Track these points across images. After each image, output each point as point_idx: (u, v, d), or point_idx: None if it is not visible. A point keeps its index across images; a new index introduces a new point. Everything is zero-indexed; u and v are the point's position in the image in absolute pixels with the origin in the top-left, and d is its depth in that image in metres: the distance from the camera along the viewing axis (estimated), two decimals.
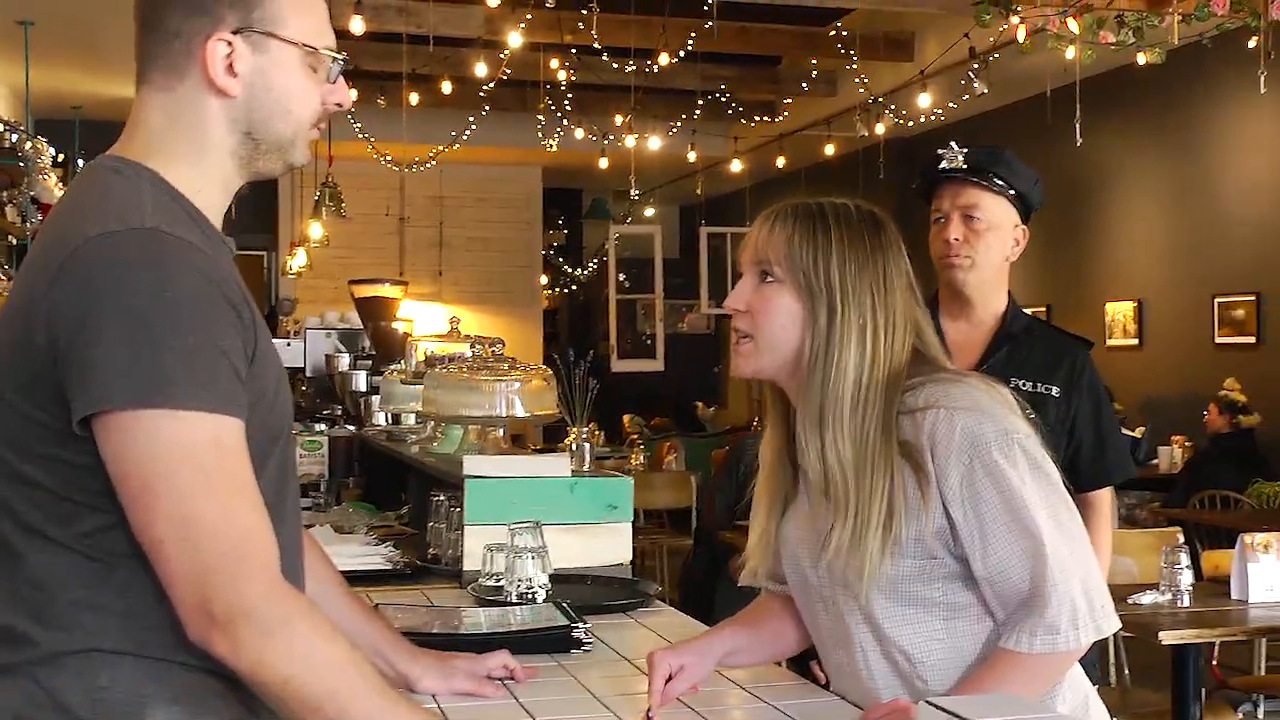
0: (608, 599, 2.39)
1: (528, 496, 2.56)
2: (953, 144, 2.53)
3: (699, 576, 5.56)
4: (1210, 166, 8.19)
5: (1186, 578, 3.34)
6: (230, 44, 1.40)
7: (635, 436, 10.24)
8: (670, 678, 1.71)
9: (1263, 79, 4.63)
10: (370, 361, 4.60)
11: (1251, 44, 4.85)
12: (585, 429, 2.89)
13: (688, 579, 5.80)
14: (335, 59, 1.47)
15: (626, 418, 11.58)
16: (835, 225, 1.65)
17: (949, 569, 1.60)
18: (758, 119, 10.36)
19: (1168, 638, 3.12)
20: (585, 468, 2.77)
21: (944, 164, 2.52)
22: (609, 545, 2.65)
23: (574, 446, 2.82)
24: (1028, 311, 2.67)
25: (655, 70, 7.38)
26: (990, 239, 2.48)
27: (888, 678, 1.65)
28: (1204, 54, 5.52)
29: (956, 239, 2.49)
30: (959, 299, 2.54)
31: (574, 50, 8.48)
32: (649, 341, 12.06)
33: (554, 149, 8.79)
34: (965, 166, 2.50)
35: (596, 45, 7.55)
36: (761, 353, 1.67)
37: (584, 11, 7.16)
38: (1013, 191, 2.52)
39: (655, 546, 8.02)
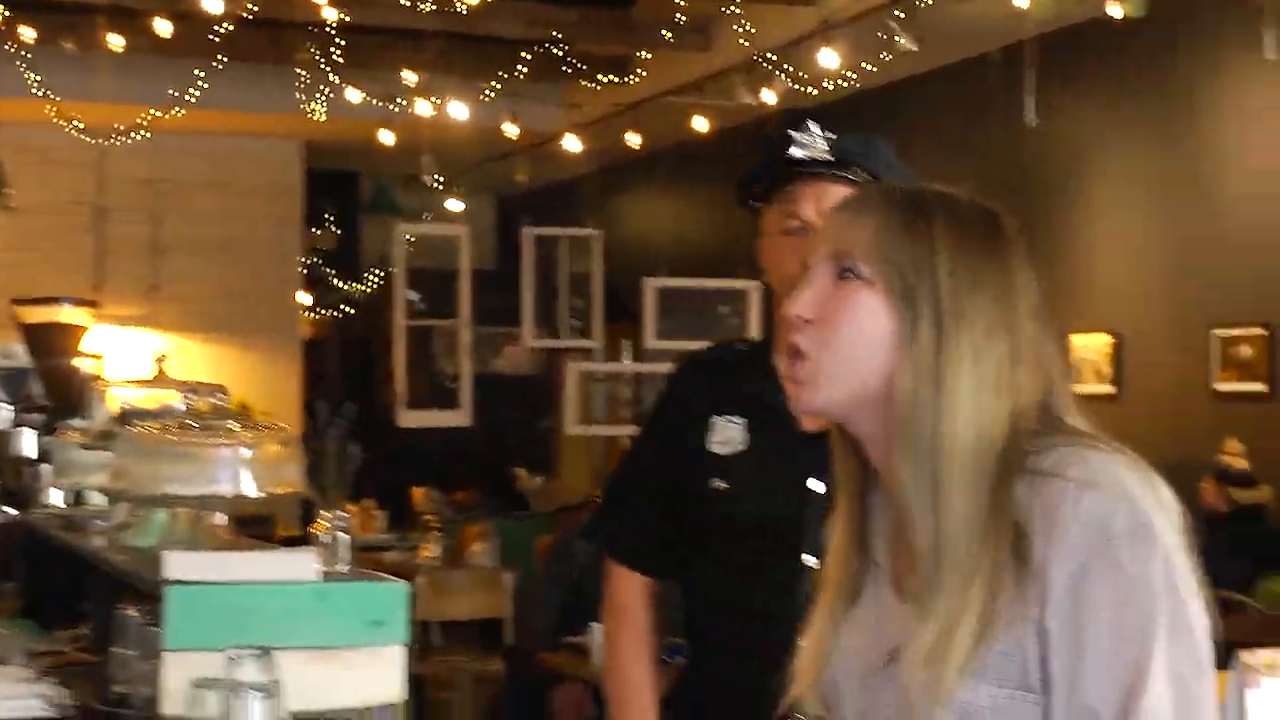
0: None
1: (255, 610, 2.51)
2: (812, 125, 2.55)
3: (514, 716, 5.56)
4: (1208, 155, 8.46)
5: None
6: None
7: (430, 518, 10.17)
8: None
9: (1265, 41, 4.81)
10: (41, 415, 4.52)
11: None
12: (343, 512, 2.87)
13: (499, 719, 5.79)
14: None
15: (418, 491, 11.50)
16: (947, 216, 1.68)
17: (1038, 711, 1.60)
18: (604, 80, 10.40)
19: None
20: (341, 568, 2.74)
21: (800, 151, 2.54)
22: (373, 678, 2.62)
23: (327, 538, 2.79)
24: None
25: (463, 11, 7.38)
26: None
27: None
28: (1197, 6, 5.72)
29: None
30: None
31: None
32: (451, 385, 11.99)
33: (320, 116, 8.73)
34: (831, 157, 2.53)
35: None
36: (833, 380, 1.67)
37: None
38: None
39: (456, 674, 7.96)
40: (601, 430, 11.27)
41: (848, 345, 1.66)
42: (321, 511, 2.85)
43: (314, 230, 13.73)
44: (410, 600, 2.67)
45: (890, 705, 1.67)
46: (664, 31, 9.71)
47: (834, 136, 2.58)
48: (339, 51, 8.80)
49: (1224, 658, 4.11)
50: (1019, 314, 1.66)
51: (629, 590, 2.83)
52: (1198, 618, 1.58)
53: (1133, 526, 1.56)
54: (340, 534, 2.80)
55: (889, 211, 1.68)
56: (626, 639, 2.82)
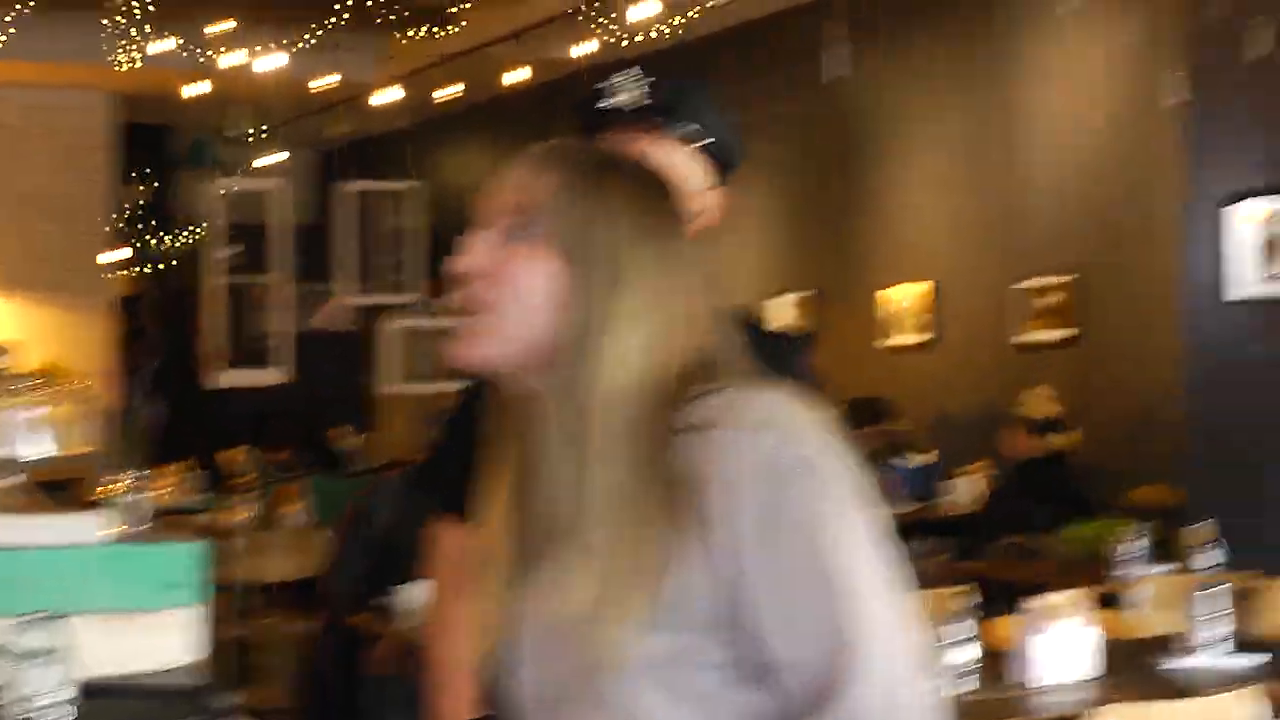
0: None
1: (41, 575, 2.47)
2: (631, 72, 2.53)
3: (329, 674, 5.50)
4: (1011, 111, 8.64)
5: (965, 656, 3.51)
6: None
7: (247, 479, 10.05)
8: None
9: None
10: None
11: None
12: (142, 473, 2.81)
13: (314, 677, 5.73)
14: None
15: (236, 452, 11.36)
16: (622, 183, 1.68)
17: (726, 654, 1.60)
18: (422, 30, 10.30)
19: None
20: (135, 530, 2.68)
21: (614, 99, 2.51)
22: (170, 641, 2.57)
23: (122, 499, 2.73)
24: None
25: None
26: None
27: None
28: None
29: None
30: None
31: None
32: (269, 344, 11.82)
33: (128, 66, 8.52)
34: (648, 103, 2.51)
35: None
36: (504, 335, 1.65)
37: None
38: (708, 142, 2.54)
39: (273, 635, 7.87)
40: (422, 388, 11.15)
41: (522, 299, 1.65)
42: (118, 473, 2.79)
43: (128, 186, 13.41)
44: (206, 561, 2.62)
45: (569, 665, 1.65)
46: None
47: (653, 81, 2.53)
48: (148, 2, 8.59)
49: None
50: (685, 278, 1.67)
51: (453, 540, 2.79)
52: (877, 535, 1.61)
53: (805, 463, 1.58)
54: (138, 495, 2.74)
55: (565, 171, 1.67)
56: (449, 589, 2.78)
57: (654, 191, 1.71)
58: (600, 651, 1.59)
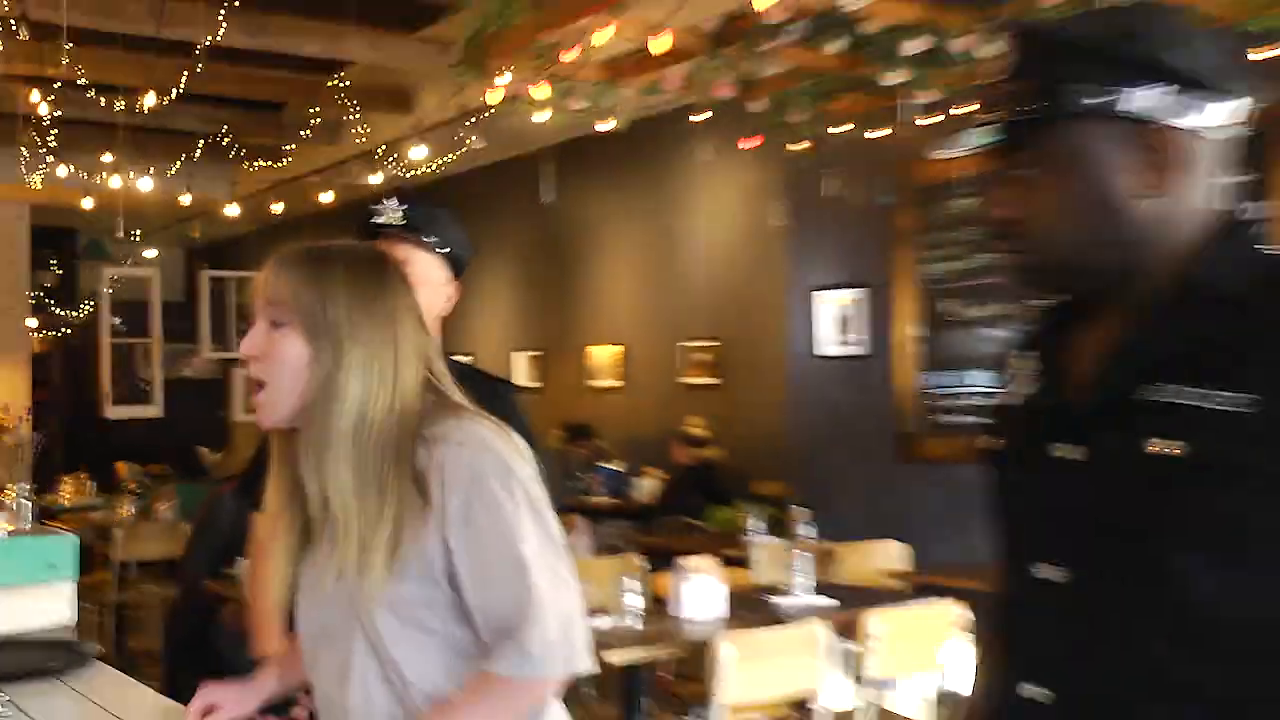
0: (33, 665, 2.22)
1: None
2: (393, 199, 2.55)
3: (185, 627, 5.31)
4: (675, 225, 8.81)
5: (635, 601, 3.57)
6: None
7: (132, 485, 9.61)
8: (208, 712, 1.79)
9: (702, 149, 5.05)
10: None
11: (699, 118, 5.29)
12: (26, 485, 2.69)
13: (173, 631, 5.52)
14: None
15: (122, 466, 10.86)
16: (342, 266, 1.63)
17: (448, 598, 1.60)
18: (261, 163, 10.07)
19: (612, 657, 3.30)
20: (25, 526, 2.57)
21: (380, 219, 2.52)
22: (50, 607, 2.47)
23: (14, 504, 2.61)
24: (462, 359, 2.74)
25: (144, 110, 7.01)
26: (423, 295, 2.53)
27: (386, 705, 1.62)
28: (660, 123, 5.94)
29: None
30: None
31: (58, 84, 7.89)
32: (146, 387, 11.35)
33: (40, 185, 8.12)
34: (404, 223, 2.53)
35: (83, 80, 7.09)
36: (279, 401, 1.62)
37: (68, 46, 6.69)
38: (445, 250, 2.55)
39: (147, 598, 7.54)
40: None
41: (284, 374, 1.62)
42: (8, 485, 2.66)
43: (40, 271, 12.75)
44: (78, 548, 2.53)
45: (337, 615, 1.66)
46: (304, 130, 9.48)
47: (407, 207, 2.54)
48: (54, 137, 8.20)
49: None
50: (402, 326, 1.65)
51: (266, 530, 2.73)
52: (549, 514, 1.64)
53: (497, 468, 1.60)
54: (24, 501, 2.62)
55: (299, 268, 1.64)
56: (264, 563, 2.72)
57: (370, 269, 1.67)
58: (357, 595, 1.59)
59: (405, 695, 1.62)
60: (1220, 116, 1.25)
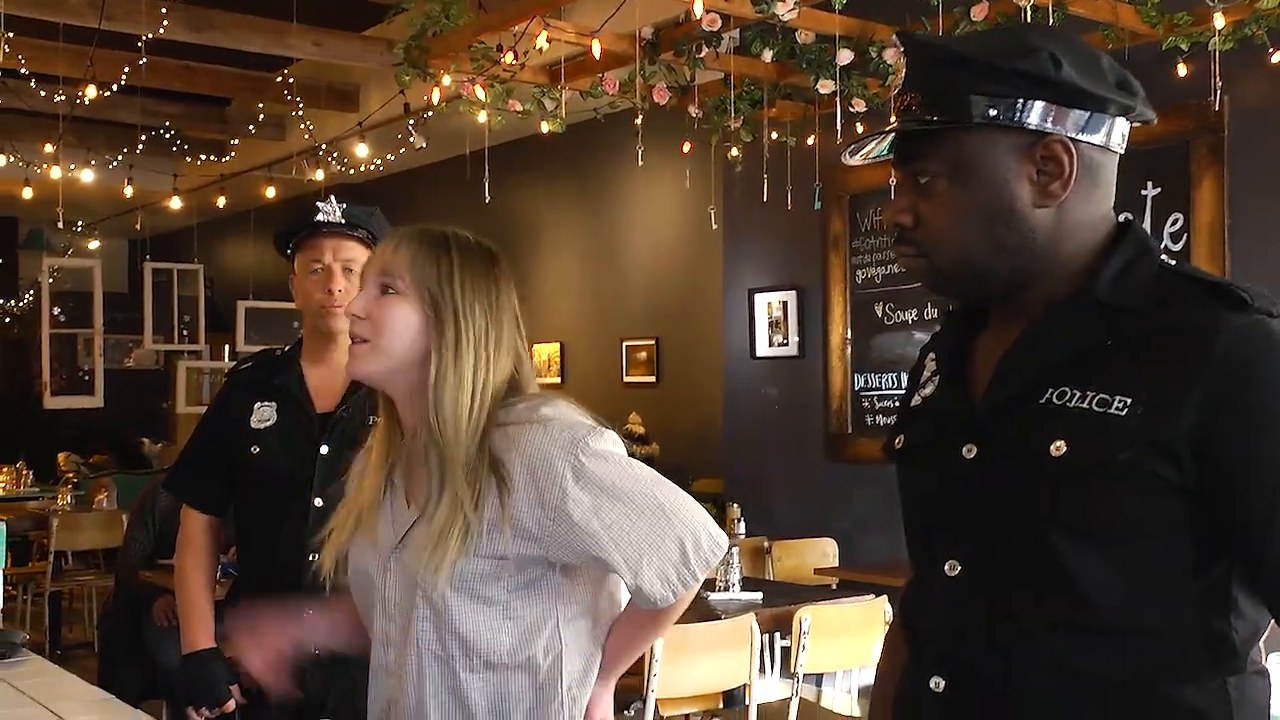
0: None
1: None
2: (332, 198, 2.60)
3: (118, 618, 5.24)
4: (615, 226, 8.85)
5: None
6: None
7: (71, 475, 9.48)
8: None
9: (640, 153, 5.07)
10: None
11: (637, 122, 5.31)
12: None
13: (107, 621, 5.45)
14: None
15: (62, 455, 10.71)
16: (459, 251, 1.69)
17: (514, 574, 1.64)
18: (205, 158, 9.97)
19: None
20: None
21: (323, 217, 2.57)
22: None
23: None
24: None
25: (85, 101, 6.92)
26: None
27: (438, 673, 1.66)
28: (599, 127, 5.96)
29: (340, 290, 2.54)
30: (329, 345, 2.60)
31: None
32: (87, 378, 11.19)
33: None
34: (344, 221, 2.57)
35: (24, 71, 6.98)
36: (380, 356, 1.67)
37: (9, 35, 6.58)
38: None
39: (82, 588, 7.45)
40: (205, 410, 10.73)
41: (390, 335, 1.67)
42: None
43: None
44: (4, 536, 2.50)
45: (399, 579, 1.70)
46: (250, 126, 9.39)
47: (345, 206, 2.60)
48: None
49: None
50: (503, 318, 1.71)
51: (195, 524, 2.73)
52: (664, 480, 1.69)
53: (588, 440, 1.63)
54: None
55: (420, 245, 1.70)
56: (191, 558, 2.71)
57: (482, 260, 1.73)
58: (428, 572, 1.63)
59: (461, 663, 1.65)
60: (1117, 132, 1.29)
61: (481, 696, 1.66)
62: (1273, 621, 1.23)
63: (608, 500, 1.61)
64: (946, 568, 1.29)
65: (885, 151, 1.34)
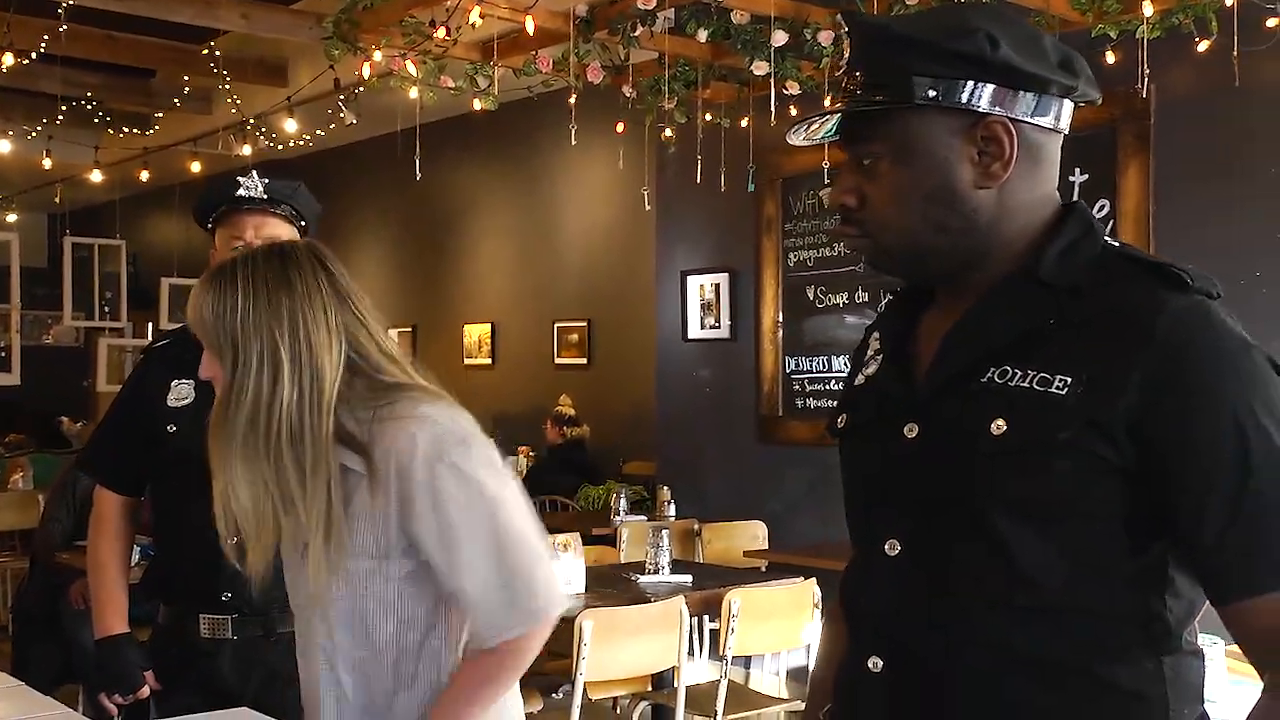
0: None
1: None
2: (254, 173, 2.56)
3: (34, 601, 5.11)
4: (548, 206, 8.80)
5: None
6: None
7: None
8: None
9: (573, 133, 5.02)
10: None
11: (571, 101, 5.26)
12: None
13: (22, 604, 5.31)
14: None
15: None
16: (244, 274, 1.65)
17: (402, 570, 1.65)
18: (129, 130, 9.72)
19: None
20: None
21: (244, 192, 2.52)
22: None
23: None
24: None
25: (2, 70, 6.70)
26: None
27: (323, 660, 1.68)
28: (533, 105, 5.89)
29: None
30: None
31: None
32: (4, 355, 10.91)
33: None
34: (266, 197, 2.52)
35: None
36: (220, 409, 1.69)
37: None
38: (303, 223, 2.60)
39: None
40: (120, 388, 10.51)
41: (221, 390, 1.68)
42: None
43: None
44: None
45: (304, 579, 1.70)
46: (175, 98, 9.17)
47: (267, 180, 2.56)
48: None
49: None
50: (311, 315, 1.66)
51: (110, 505, 2.65)
52: (514, 483, 1.69)
53: (456, 440, 1.63)
54: None
55: (202, 294, 1.67)
56: (105, 540, 2.64)
57: (273, 268, 1.68)
58: (316, 574, 1.64)
59: (362, 666, 1.67)
60: (1059, 113, 1.29)
61: (362, 679, 1.69)
62: (1207, 602, 1.22)
63: (448, 527, 1.63)
64: (887, 547, 1.29)
65: (831, 133, 1.34)
